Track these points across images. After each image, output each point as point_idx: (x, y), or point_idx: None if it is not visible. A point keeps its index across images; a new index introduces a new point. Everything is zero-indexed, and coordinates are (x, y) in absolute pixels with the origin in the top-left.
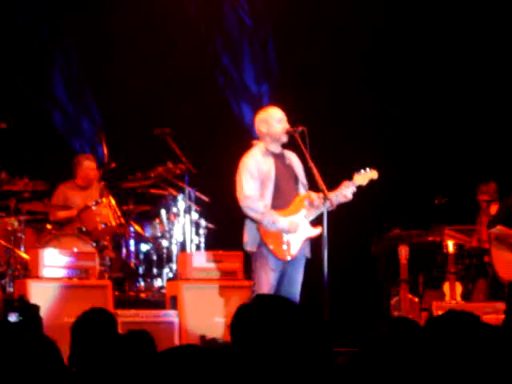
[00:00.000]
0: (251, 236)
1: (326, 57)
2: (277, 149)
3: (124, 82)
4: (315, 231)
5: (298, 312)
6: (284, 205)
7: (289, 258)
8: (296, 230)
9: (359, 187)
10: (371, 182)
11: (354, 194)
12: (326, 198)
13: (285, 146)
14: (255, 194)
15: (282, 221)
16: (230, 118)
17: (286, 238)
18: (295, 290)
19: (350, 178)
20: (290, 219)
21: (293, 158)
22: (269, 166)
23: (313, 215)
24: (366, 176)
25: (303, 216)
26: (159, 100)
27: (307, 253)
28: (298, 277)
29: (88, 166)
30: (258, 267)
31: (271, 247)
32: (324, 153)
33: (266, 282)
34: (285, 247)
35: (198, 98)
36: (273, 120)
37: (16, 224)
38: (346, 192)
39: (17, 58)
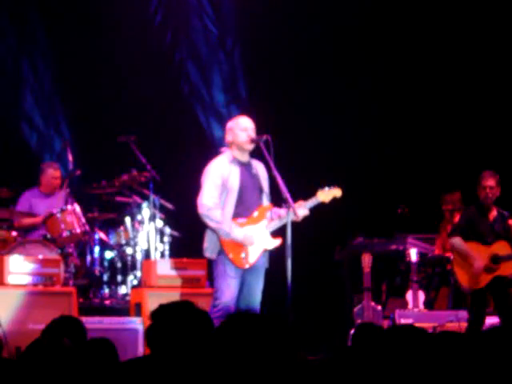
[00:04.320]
0: (211, 243)
1: (294, 65)
2: (244, 158)
3: (90, 91)
4: (275, 242)
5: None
6: (246, 214)
7: (247, 266)
8: (250, 242)
9: (322, 204)
10: (334, 199)
11: (315, 208)
12: (289, 207)
13: (253, 155)
14: (213, 202)
15: (236, 232)
16: (195, 126)
17: (244, 245)
18: (255, 298)
19: (314, 194)
20: (245, 231)
21: (260, 168)
22: (234, 174)
23: (274, 227)
24: (329, 193)
25: (264, 226)
26: (125, 108)
27: (267, 262)
28: (258, 286)
29: (52, 174)
30: (218, 274)
31: (230, 256)
32: (291, 164)
33: (227, 289)
34: (243, 256)
35: (164, 106)
36: (238, 129)
37: None
38: (305, 207)
39: None
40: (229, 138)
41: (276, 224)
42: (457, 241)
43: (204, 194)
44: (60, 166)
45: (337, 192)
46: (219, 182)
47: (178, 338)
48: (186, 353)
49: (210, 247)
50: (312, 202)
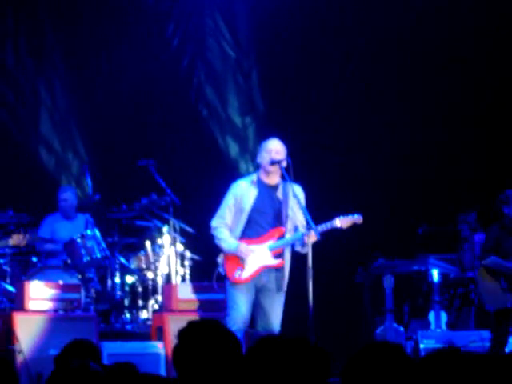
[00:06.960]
0: (221, 262)
1: (311, 87)
2: (270, 180)
3: (109, 114)
4: (274, 261)
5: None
6: (254, 236)
7: (237, 278)
8: (244, 253)
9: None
10: (353, 225)
11: (335, 230)
12: (310, 229)
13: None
14: (219, 222)
15: (232, 243)
16: (214, 149)
17: (241, 262)
18: (272, 321)
19: (332, 219)
20: (243, 245)
21: (291, 192)
22: (249, 195)
23: (278, 247)
24: (348, 219)
25: (266, 246)
26: (144, 132)
27: (283, 285)
28: (273, 309)
29: (63, 197)
30: (227, 292)
31: (226, 268)
32: (311, 184)
33: (235, 306)
34: (237, 269)
35: (183, 129)
36: (263, 150)
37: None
38: (317, 231)
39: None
40: (258, 159)
41: (282, 245)
42: (494, 259)
43: (216, 214)
44: (77, 189)
45: (357, 219)
46: (231, 202)
47: (207, 359)
48: (214, 375)
49: (221, 263)
50: (326, 227)
